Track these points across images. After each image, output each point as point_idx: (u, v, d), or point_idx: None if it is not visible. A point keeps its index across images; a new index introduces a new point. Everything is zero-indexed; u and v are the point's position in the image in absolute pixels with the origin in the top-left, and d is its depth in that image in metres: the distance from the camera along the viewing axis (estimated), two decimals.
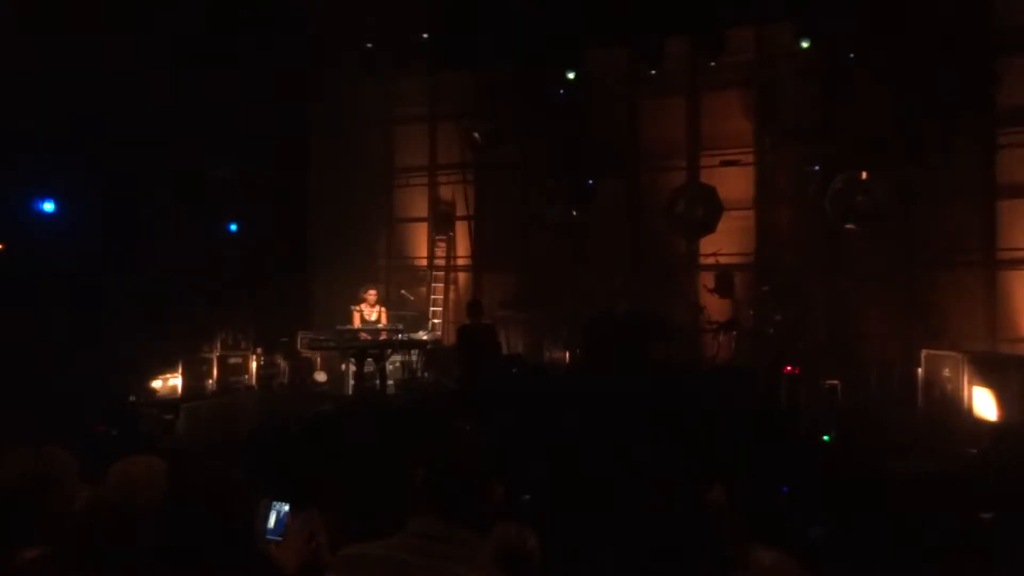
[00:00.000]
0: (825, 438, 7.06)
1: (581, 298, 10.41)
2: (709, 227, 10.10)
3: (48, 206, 8.32)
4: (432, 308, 12.24)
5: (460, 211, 12.52)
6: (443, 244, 12.55)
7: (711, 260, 10.23)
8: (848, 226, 9.25)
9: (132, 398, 8.25)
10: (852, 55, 9.64)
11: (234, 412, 9.08)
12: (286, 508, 2.50)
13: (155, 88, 8.45)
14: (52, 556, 2.17)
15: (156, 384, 9.06)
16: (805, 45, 9.68)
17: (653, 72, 10.60)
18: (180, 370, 9.33)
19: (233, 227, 10.11)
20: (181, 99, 8.70)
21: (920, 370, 8.16)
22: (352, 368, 9.59)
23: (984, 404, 7.42)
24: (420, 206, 12.99)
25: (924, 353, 8.21)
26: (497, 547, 2.41)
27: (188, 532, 2.03)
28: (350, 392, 9.77)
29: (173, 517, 2.05)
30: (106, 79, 8.03)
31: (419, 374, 10.00)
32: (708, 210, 10.05)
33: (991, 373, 7.46)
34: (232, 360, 10.01)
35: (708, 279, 10.15)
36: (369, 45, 11.18)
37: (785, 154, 10.39)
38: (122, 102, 8.23)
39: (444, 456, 2.10)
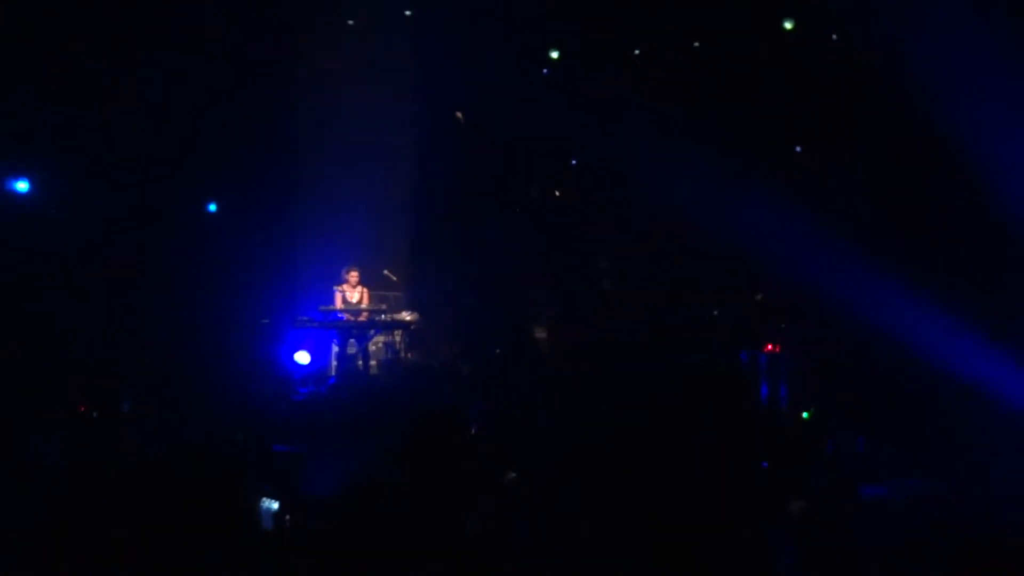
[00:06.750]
0: (804, 415, 7.13)
1: (566, 276, 10.41)
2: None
3: (22, 186, 8.19)
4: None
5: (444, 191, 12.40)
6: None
7: None
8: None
9: (113, 378, 8.18)
10: None
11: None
12: (275, 506, 2.57)
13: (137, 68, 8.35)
14: None
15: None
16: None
17: (637, 52, 10.56)
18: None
19: (212, 207, 10.01)
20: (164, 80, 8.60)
21: None
22: (335, 349, 9.56)
23: None
24: (403, 185, 12.86)
25: None
26: None
27: None
28: (332, 373, 9.74)
29: None
30: (84, 58, 7.92)
31: (402, 355, 9.99)
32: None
33: None
34: (214, 340, 9.91)
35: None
36: (351, 22, 11.04)
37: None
38: (100, 80, 8.11)
39: None
